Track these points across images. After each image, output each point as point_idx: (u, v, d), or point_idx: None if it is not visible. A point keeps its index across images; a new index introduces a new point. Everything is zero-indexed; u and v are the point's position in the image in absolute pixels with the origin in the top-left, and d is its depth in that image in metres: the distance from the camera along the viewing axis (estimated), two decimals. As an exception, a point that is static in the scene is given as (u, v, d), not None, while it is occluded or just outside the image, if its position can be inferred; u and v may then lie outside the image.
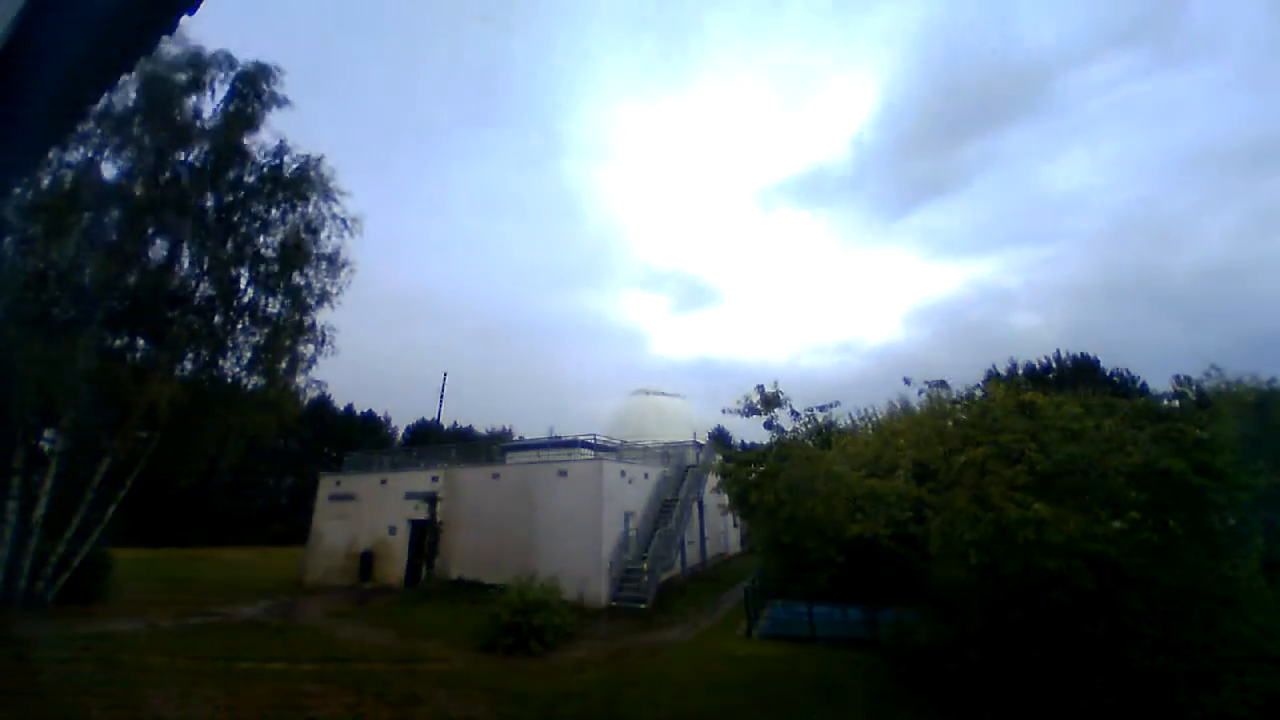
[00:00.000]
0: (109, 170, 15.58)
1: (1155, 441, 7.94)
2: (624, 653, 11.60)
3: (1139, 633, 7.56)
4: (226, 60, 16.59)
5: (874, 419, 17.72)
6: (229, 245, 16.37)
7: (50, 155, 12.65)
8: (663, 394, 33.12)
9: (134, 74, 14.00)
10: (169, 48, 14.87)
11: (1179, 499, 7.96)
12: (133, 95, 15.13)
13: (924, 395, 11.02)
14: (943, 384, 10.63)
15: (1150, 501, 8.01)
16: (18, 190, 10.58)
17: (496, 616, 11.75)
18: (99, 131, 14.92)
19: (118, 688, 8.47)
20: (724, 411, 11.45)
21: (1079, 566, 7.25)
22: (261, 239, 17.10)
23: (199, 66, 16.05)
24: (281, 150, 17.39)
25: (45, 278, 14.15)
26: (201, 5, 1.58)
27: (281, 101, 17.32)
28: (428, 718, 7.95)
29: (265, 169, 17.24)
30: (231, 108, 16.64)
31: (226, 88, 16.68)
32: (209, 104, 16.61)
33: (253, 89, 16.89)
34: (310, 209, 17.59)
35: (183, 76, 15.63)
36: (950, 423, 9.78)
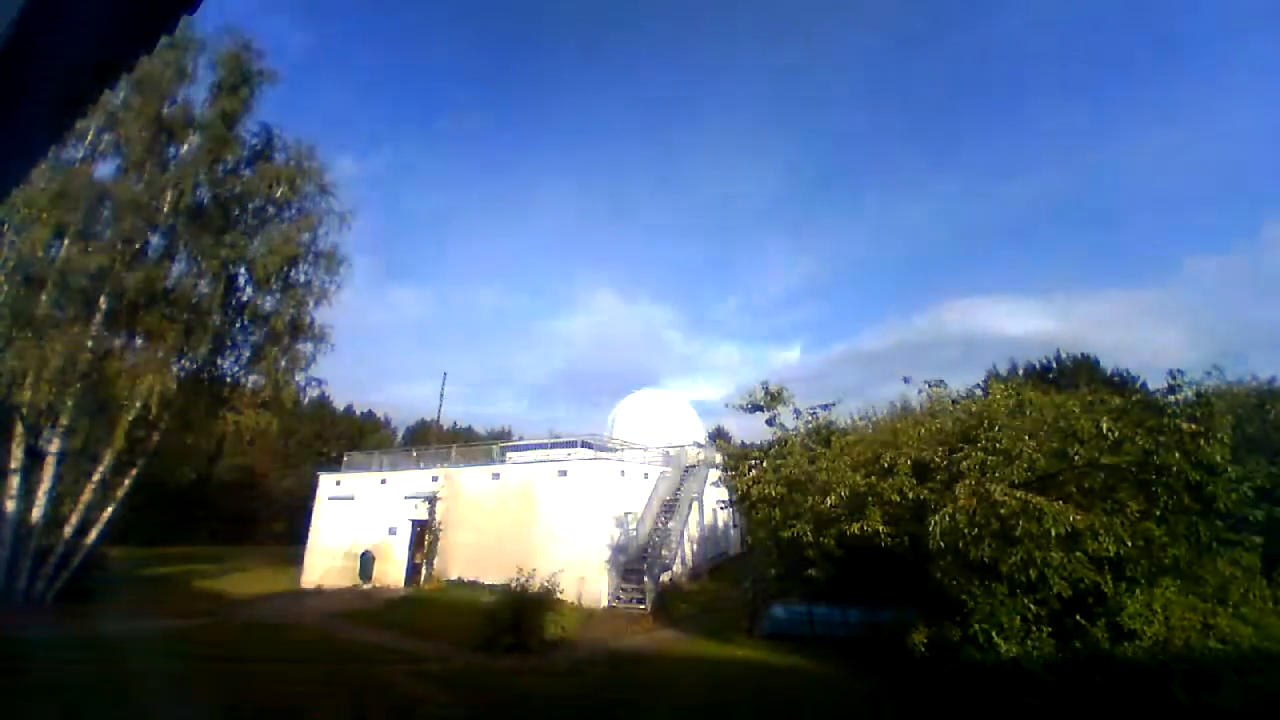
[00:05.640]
0: (103, 167, 15.59)
1: (1150, 435, 7.95)
2: (623, 653, 11.60)
3: (1139, 631, 7.57)
4: (208, 42, 16.35)
5: (874, 418, 17.73)
6: (225, 242, 16.34)
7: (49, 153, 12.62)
8: (663, 394, 33.11)
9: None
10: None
11: (1177, 494, 7.97)
12: (123, 89, 14.99)
13: (923, 394, 11.05)
14: (941, 383, 10.66)
15: (1149, 497, 8.03)
16: (15, 190, 10.56)
17: (496, 616, 11.74)
18: (92, 127, 14.89)
19: (116, 688, 8.46)
20: (726, 406, 11.50)
21: (1080, 560, 7.27)
22: (258, 237, 17.10)
23: (180, 47, 15.71)
24: (269, 139, 17.35)
25: (40, 275, 14.14)
26: (202, 4, 1.58)
27: (270, 76, 17.24)
28: (428, 718, 7.94)
29: (257, 160, 17.17)
30: (220, 94, 16.48)
31: (211, 73, 16.55)
32: (196, 91, 16.53)
33: (239, 71, 16.70)
34: (306, 204, 17.61)
35: (158, 62, 15.25)
36: (950, 422, 9.80)
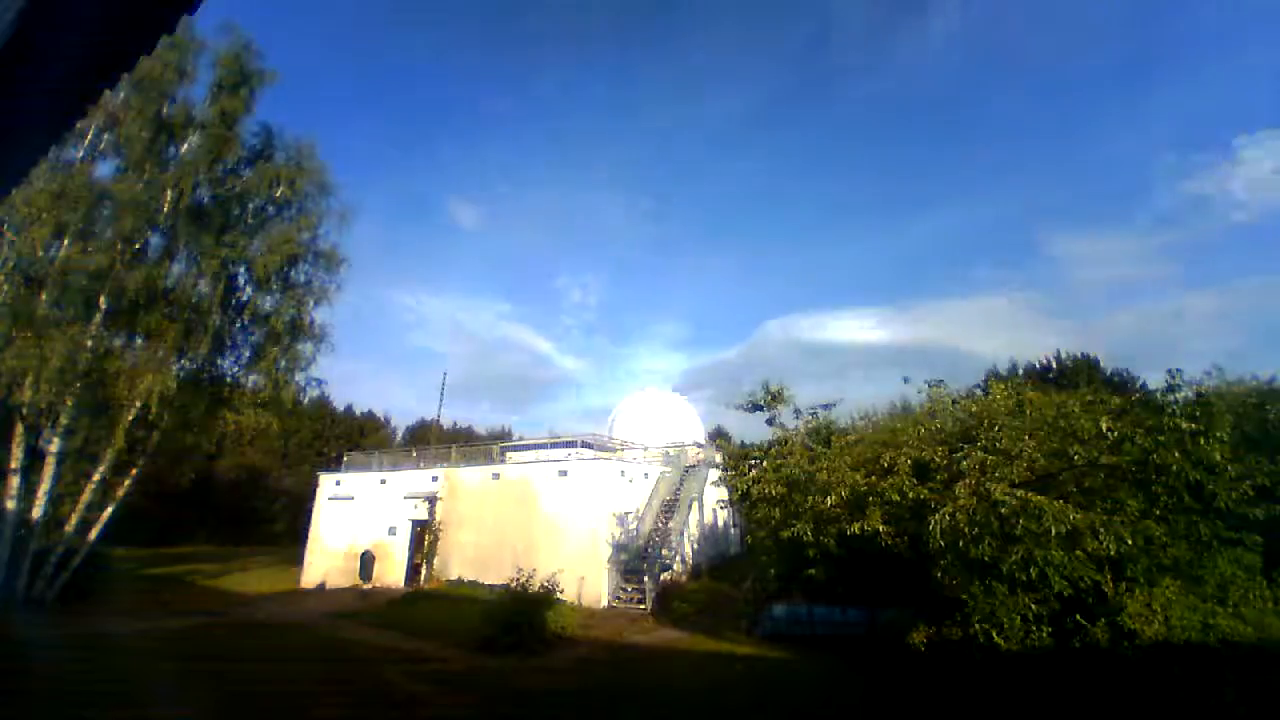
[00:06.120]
0: (103, 167, 15.59)
1: (1150, 434, 7.95)
2: (623, 652, 11.61)
3: (1139, 631, 7.57)
4: (208, 42, 16.43)
5: (874, 418, 17.75)
6: (225, 241, 16.32)
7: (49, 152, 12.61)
8: (664, 393, 33.07)
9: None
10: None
11: (1177, 493, 7.97)
12: (123, 89, 14.98)
13: (923, 394, 11.06)
14: (941, 383, 10.66)
15: (1149, 496, 8.03)
16: (15, 190, 10.55)
17: (496, 616, 11.74)
18: (92, 127, 14.87)
19: (117, 688, 8.47)
20: (726, 406, 11.51)
21: (1080, 559, 7.27)
22: (258, 236, 17.10)
23: (181, 48, 15.67)
24: (269, 138, 17.41)
25: (40, 275, 14.13)
26: (202, 4, 1.58)
27: (270, 76, 17.30)
28: (428, 718, 7.94)
29: (257, 160, 17.22)
30: (220, 94, 16.48)
31: (210, 73, 16.60)
32: (196, 91, 16.57)
33: (239, 71, 16.71)
34: (306, 203, 17.63)
35: (158, 62, 15.18)
36: (950, 421, 9.80)
